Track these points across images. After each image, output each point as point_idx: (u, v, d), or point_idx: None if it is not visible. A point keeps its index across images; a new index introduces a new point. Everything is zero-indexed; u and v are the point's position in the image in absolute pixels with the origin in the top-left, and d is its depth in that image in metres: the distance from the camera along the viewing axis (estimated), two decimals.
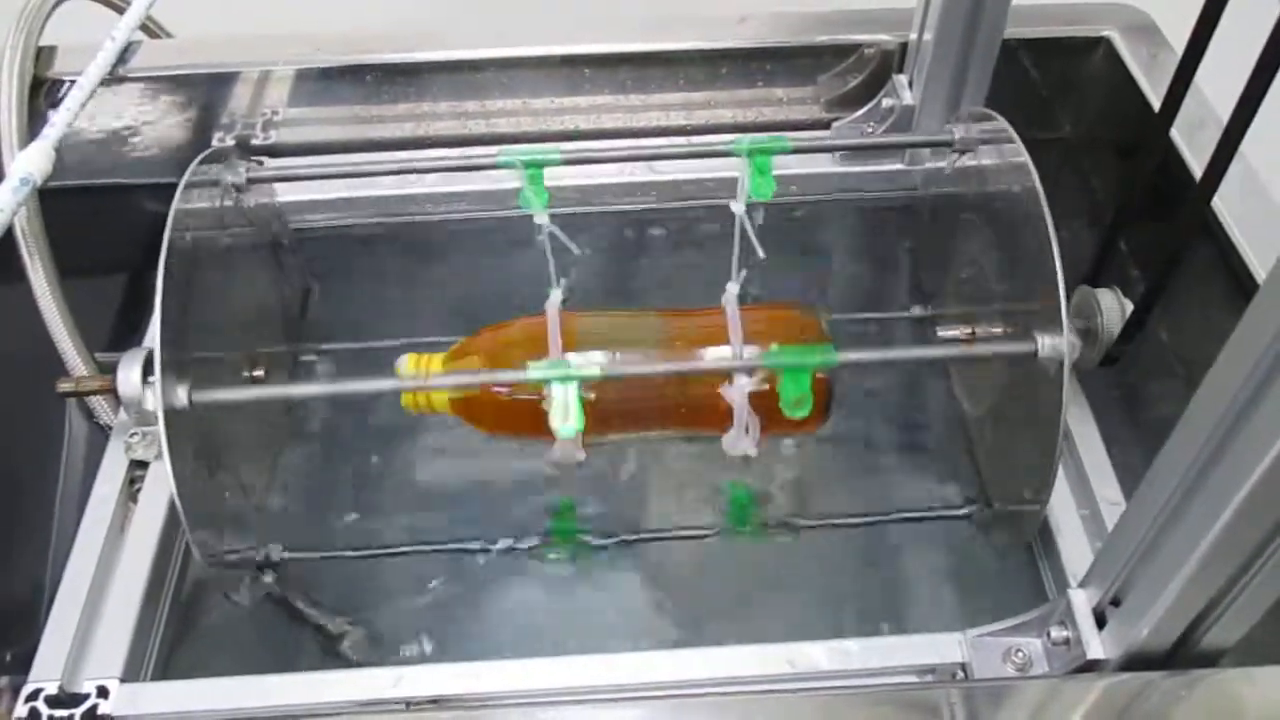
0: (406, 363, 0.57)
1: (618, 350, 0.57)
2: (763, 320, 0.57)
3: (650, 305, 0.74)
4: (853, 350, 0.52)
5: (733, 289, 0.56)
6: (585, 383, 0.52)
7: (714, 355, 0.56)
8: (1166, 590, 0.39)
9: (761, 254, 0.55)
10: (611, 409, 0.56)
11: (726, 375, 0.54)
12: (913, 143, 0.68)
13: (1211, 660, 0.42)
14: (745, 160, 0.56)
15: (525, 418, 0.56)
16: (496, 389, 0.56)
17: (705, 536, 0.53)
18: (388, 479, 0.68)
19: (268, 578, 0.59)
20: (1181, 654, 0.42)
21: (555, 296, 0.55)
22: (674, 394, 0.57)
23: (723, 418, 0.55)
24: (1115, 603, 0.44)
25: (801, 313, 0.59)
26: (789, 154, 0.56)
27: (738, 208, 0.55)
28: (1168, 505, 0.39)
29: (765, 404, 0.54)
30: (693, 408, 0.58)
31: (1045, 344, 0.50)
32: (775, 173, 0.68)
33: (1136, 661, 0.42)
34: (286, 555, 0.55)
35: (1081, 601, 0.45)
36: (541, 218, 0.55)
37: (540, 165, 0.55)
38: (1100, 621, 0.44)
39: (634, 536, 0.56)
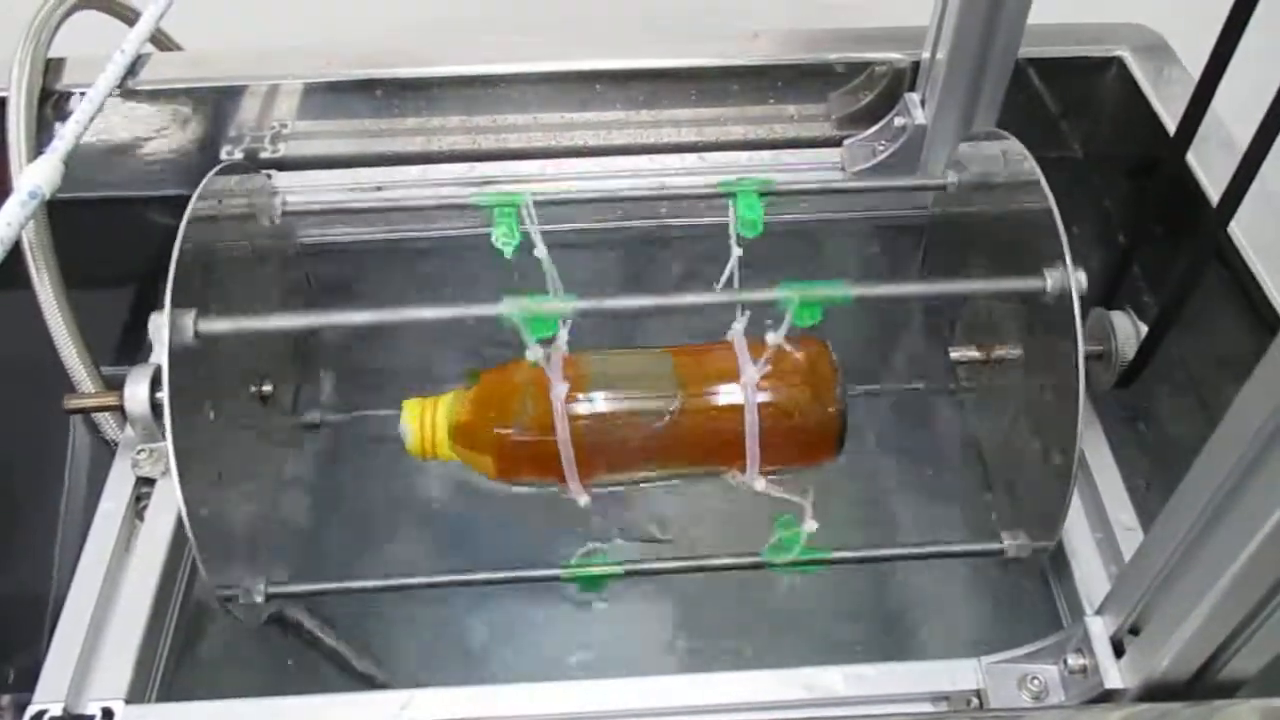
0: (408, 412, 0.56)
1: (623, 388, 0.56)
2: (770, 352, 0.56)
3: (656, 322, 0.74)
4: (861, 286, 0.52)
5: (738, 327, 0.56)
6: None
7: (720, 369, 0.56)
8: (1188, 620, 0.39)
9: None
10: (614, 446, 0.56)
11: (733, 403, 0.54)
12: (915, 186, 0.67)
13: (1231, 691, 0.42)
14: (730, 203, 0.56)
15: (533, 462, 0.55)
16: (503, 432, 0.56)
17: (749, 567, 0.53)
18: (396, 496, 0.67)
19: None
20: (1201, 684, 0.41)
21: (561, 336, 0.55)
22: (679, 428, 0.56)
23: (729, 453, 0.55)
24: (1134, 631, 0.43)
25: (809, 343, 0.58)
26: (773, 194, 0.57)
27: (736, 250, 0.55)
28: (1190, 533, 0.38)
29: (775, 436, 0.54)
30: (698, 441, 0.57)
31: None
32: (787, 187, 0.69)
33: (1155, 691, 0.42)
34: (291, 589, 0.55)
35: (1099, 629, 0.44)
36: (541, 251, 0.55)
37: (508, 205, 0.55)
38: (1118, 650, 0.44)
39: (668, 565, 0.55)
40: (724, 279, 0.56)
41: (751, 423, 0.54)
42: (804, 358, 0.56)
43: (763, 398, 0.54)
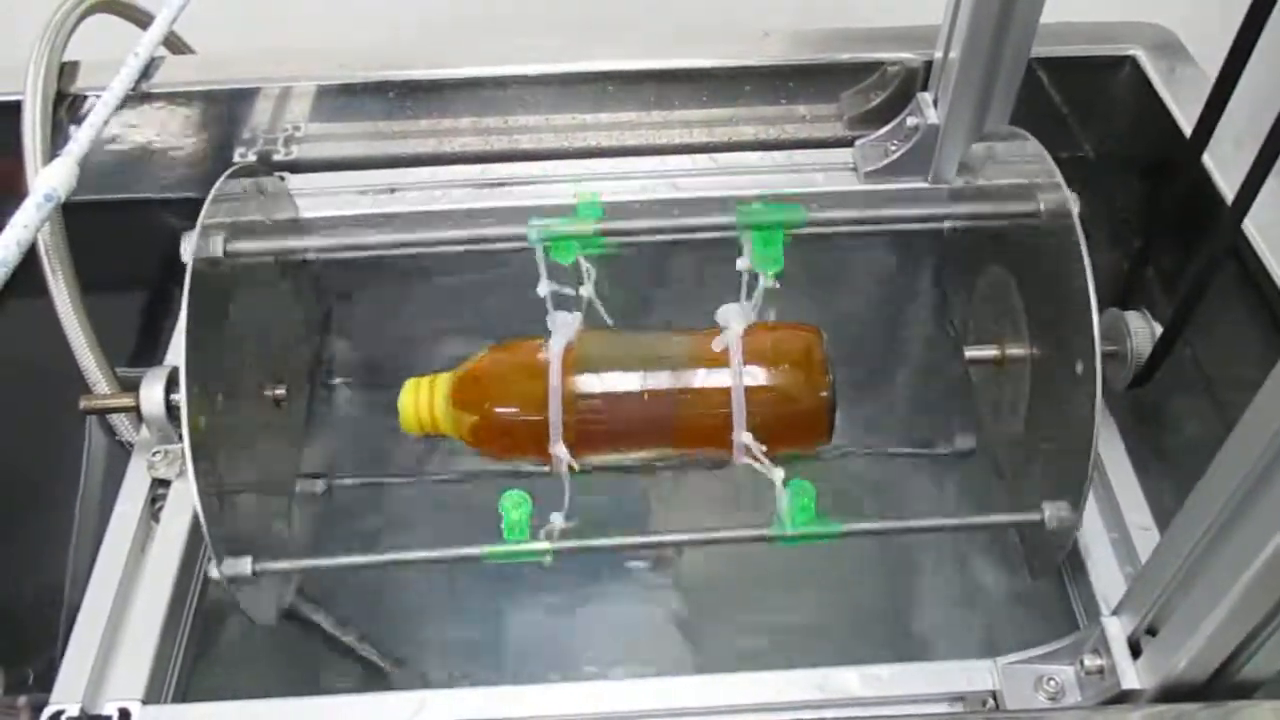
0: (407, 389, 0.56)
1: (619, 368, 0.56)
2: (762, 336, 0.56)
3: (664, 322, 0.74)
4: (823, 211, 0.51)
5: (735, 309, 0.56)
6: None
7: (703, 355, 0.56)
8: (1205, 620, 0.39)
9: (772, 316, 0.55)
10: (606, 427, 0.56)
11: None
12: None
13: (1249, 692, 0.41)
14: (749, 230, 0.54)
15: (530, 440, 0.55)
16: (501, 411, 0.56)
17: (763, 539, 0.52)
18: (409, 489, 0.68)
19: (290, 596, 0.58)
20: (1219, 685, 0.41)
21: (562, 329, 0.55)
22: (672, 409, 0.56)
23: (721, 436, 0.55)
24: (1151, 632, 0.43)
25: (800, 328, 0.58)
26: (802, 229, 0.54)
27: (742, 263, 0.54)
28: (1207, 534, 0.38)
29: (766, 421, 0.54)
30: (690, 424, 0.57)
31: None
32: (795, 190, 0.69)
33: (1172, 692, 0.42)
34: (308, 564, 0.55)
35: (1116, 630, 0.44)
36: (544, 288, 0.54)
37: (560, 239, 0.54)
38: (1135, 651, 0.44)
39: (681, 538, 0.55)
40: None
41: (738, 404, 0.53)
42: (795, 341, 0.56)
43: (752, 381, 0.54)
